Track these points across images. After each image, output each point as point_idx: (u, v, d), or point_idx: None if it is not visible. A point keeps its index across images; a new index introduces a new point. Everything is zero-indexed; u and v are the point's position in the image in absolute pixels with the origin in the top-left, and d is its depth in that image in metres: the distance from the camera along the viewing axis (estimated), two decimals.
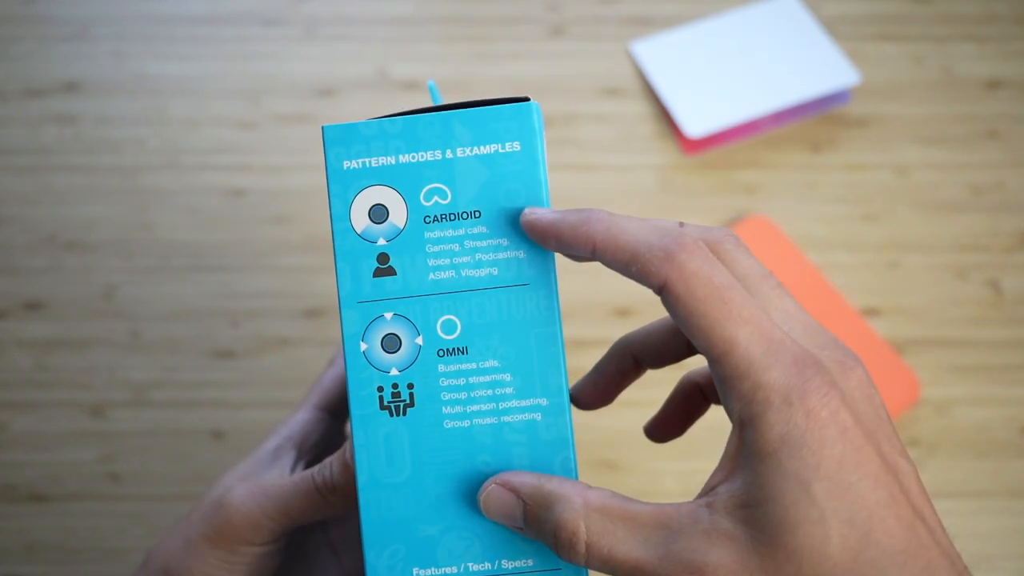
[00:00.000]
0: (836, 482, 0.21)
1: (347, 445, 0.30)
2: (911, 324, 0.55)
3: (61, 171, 0.58)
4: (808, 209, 0.58)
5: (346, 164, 0.27)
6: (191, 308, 0.55)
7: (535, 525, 0.25)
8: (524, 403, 0.26)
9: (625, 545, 0.23)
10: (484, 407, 0.26)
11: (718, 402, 0.30)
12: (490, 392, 0.26)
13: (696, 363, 0.54)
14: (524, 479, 0.25)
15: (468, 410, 0.26)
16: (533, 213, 0.26)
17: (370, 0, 0.64)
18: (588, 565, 0.24)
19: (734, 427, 0.23)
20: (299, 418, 0.34)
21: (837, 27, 0.64)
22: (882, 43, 0.63)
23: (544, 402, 0.27)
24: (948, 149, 0.60)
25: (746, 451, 0.22)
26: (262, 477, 0.31)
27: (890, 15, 0.64)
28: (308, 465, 0.34)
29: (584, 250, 0.25)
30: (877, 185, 0.59)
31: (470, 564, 0.26)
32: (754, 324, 0.22)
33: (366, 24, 0.63)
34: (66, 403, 0.52)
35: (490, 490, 0.25)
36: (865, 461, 0.21)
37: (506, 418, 0.26)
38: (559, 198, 0.58)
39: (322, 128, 0.27)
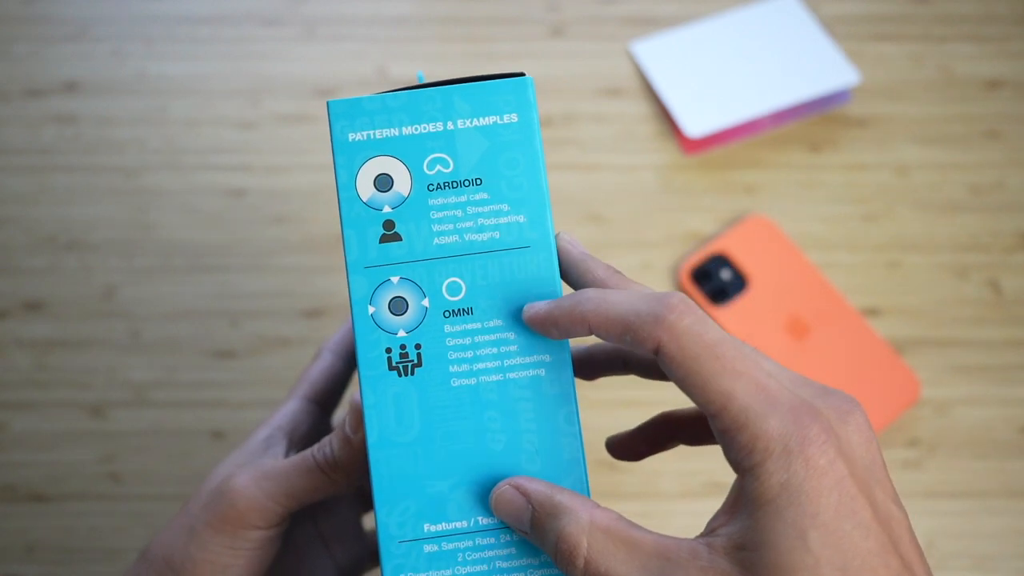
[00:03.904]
0: (831, 530, 0.22)
1: (346, 419, 0.30)
2: (911, 324, 0.55)
3: (61, 171, 0.58)
4: (808, 209, 0.58)
5: (351, 136, 0.28)
6: (191, 308, 0.55)
7: (539, 532, 0.25)
8: (528, 360, 0.27)
9: (623, 567, 0.23)
10: (490, 365, 0.27)
11: (688, 443, 0.31)
12: (495, 350, 0.27)
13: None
14: (537, 486, 0.26)
15: (474, 368, 0.27)
16: (531, 308, 0.27)
17: (370, 0, 0.64)
18: None
19: (737, 476, 0.23)
20: (288, 409, 0.35)
21: (837, 27, 0.64)
22: (882, 43, 0.63)
23: (547, 358, 0.27)
24: (948, 149, 0.60)
25: (746, 497, 0.23)
26: (260, 463, 0.31)
27: (890, 15, 0.64)
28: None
29: (582, 331, 0.26)
30: (877, 185, 0.59)
31: (479, 518, 0.27)
32: (748, 376, 0.23)
33: (366, 24, 0.63)
34: (66, 403, 0.52)
35: (503, 490, 0.26)
36: (859, 509, 0.22)
37: (511, 375, 0.27)
38: (560, 198, 0.58)
39: (327, 103, 0.28)
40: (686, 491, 0.51)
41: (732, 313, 0.54)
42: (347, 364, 0.36)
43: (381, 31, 0.63)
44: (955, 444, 0.52)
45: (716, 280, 0.55)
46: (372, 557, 0.37)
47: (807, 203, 0.58)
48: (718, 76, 0.61)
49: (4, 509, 0.50)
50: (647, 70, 0.62)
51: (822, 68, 0.60)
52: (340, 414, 0.40)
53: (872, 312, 0.55)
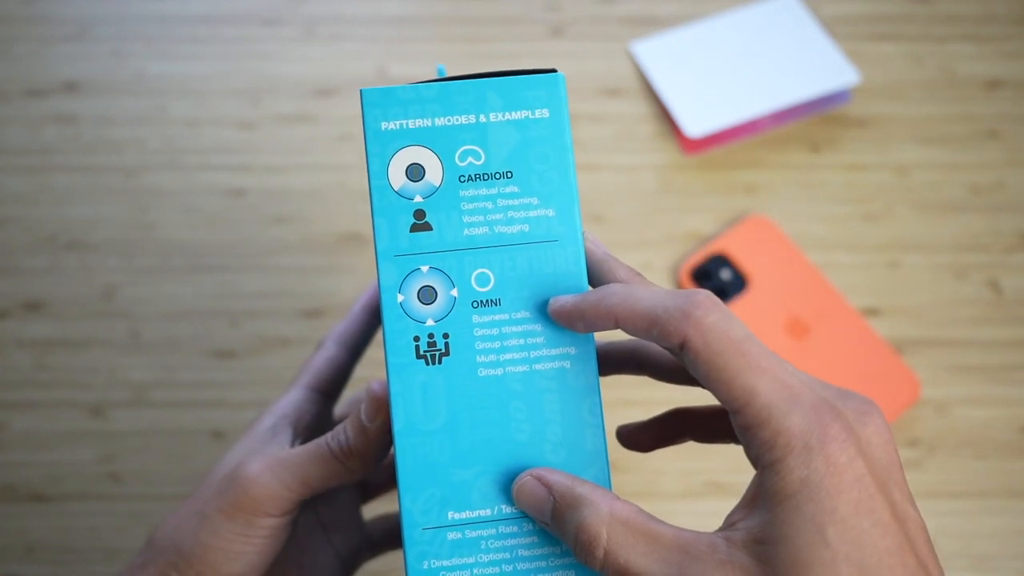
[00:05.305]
0: (850, 527, 0.22)
1: (362, 408, 0.30)
2: (911, 324, 0.55)
3: (61, 171, 0.58)
4: (808, 209, 0.58)
5: (384, 125, 0.28)
6: (191, 308, 0.55)
7: (560, 523, 0.25)
8: (554, 352, 0.28)
9: (642, 559, 0.24)
10: (516, 356, 0.28)
11: (698, 439, 0.31)
12: (522, 342, 0.28)
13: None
14: (559, 478, 0.26)
15: (501, 359, 0.28)
16: (557, 302, 0.27)
17: (370, 0, 0.64)
18: (603, 570, 0.24)
19: (757, 471, 0.24)
20: (292, 398, 0.34)
21: (837, 27, 0.64)
22: (882, 43, 0.63)
23: (572, 350, 0.28)
24: (948, 149, 0.60)
25: (766, 492, 0.23)
26: (270, 451, 0.31)
27: (890, 15, 0.64)
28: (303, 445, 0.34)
29: (608, 324, 0.26)
30: (877, 185, 0.59)
31: (503, 506, 0.27)
32: (772, 373, 0.24)
33: (366, 24, 0.63)
34: (66, 403, 0.52)
35: (525, 481, 0.26)
36: (877, 508, 0.22)
37: (537, 366, 0.28)
38: None
39: (360, 91, 0.28)
40: (687, 491, 0.51)
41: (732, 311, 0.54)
42: (351, 354, 0.36)
43: (381, 31, 0.63)
44: (955, 444, 0.52)
45: (716, 280, 0.55)
46: (371, 547, 0.38)
47: (807, 203, 0.58)
48: (718, 76, 0.61)
49: (4, 509, 0.50)
50: (647, 70, 0.62)
51: (822, 68, 0.60)
52: (340, 406, 0.40)
53: (872, 312, 0.55)
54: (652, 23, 0.64)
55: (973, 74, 0.62)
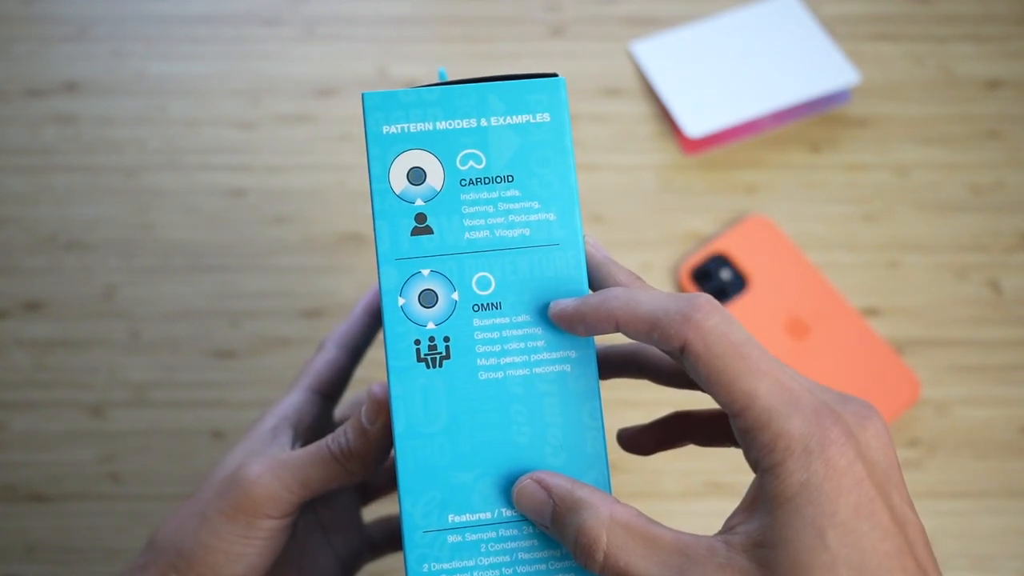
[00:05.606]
0: (849, 530, 0.22)
1: (363, 410, 0.30)
2: (911, 324, 0.55)
3: (61, 171, 0.58)
4: (808, 209, 0.58)
5: (385, 129, 0.28)
6: (191, 308, 0.55)
7: (560, 526, 0.25)
8: (554, 355, 0.28)
9: (642, 563, 0.24)
10: (517, 359, 0.28)
11: (699, 443, 0.31)
12: (522, 345, 0.28)
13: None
14: (558, 481, 0.26)
15: (502, 362, 0.28)
16: (557, 305, 0.27)
17: (370, 0, 0.64)
18: (603, 573, 0.24)
19: (756, 475, 0.24)
20: (293, 400, 0.35)
21: (837, 27, 0.64)
22: (882, 43, 0.63)
23: (573, 354, 0.28)
24: (948, 149, 0.60)
25: (765, 496, 0.23)
26: (270, 452, 0.31)
27: (890, 15, 0.64)
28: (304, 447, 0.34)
29: (608, 327, 0.26)
30: (877, 185, 0.59)
31: (503, 509, 0.27)
32: (773, 377, 0.24)
33: (366, 24, 0.63)
34: (66, 403, 0.52)
35: (525, 484, 0.26)
36: (877, 511, 0.22)
37: (538, 370, 0.28)
38: None
39: (362, 95, 0.28)
40: (687, 491, 0.51)
41: (732, 313, 0.54)
42: (351, 357, 0.36)
43: (381, 31, 0.63)
44: (955, 444, 0.52)
45: (716, 280, 0.55)
46: (371, 549, 0.38)
47: (807, 203, 0.58)
48: (718, 76, 0.61)
49: (4, 509, 0.50)
50: (647, 70, 0.62)
51: (822, 68, 0.60)
52: (341, 408, 0.40)
53: (872, 312, 0.55)
54: (652, 23, 0.64)
55: (973, 74, 0.62)
